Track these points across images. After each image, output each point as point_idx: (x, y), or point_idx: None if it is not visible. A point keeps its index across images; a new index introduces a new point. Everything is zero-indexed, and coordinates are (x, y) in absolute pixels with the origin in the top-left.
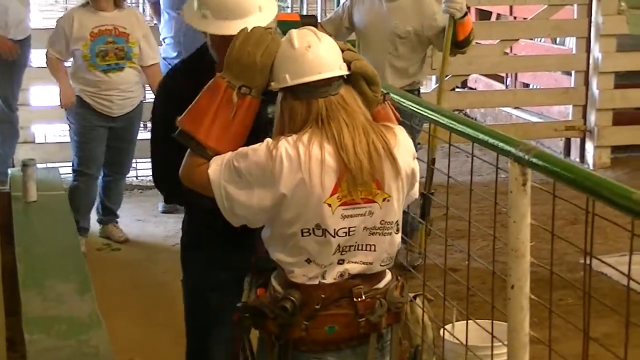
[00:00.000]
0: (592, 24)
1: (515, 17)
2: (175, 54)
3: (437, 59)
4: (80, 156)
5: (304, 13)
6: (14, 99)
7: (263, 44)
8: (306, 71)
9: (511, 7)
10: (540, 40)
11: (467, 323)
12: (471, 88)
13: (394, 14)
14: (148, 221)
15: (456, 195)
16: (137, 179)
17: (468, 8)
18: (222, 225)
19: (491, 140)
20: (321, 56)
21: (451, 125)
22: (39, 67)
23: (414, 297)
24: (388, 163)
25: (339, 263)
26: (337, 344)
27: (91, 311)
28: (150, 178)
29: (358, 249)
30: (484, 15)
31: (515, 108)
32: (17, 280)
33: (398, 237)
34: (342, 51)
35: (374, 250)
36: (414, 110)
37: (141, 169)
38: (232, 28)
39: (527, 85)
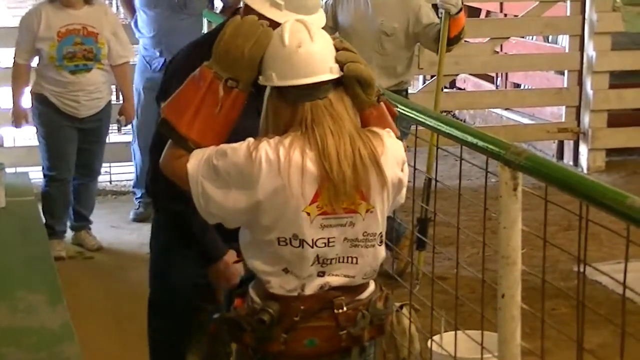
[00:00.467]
0: (586, 22)
1: (505, 14)
2: (156, 53)
3: (424, 59)
4: (50, 159)
5: None
6: None
7: (253, 36)
8: (293, 73)
9: (501, 4)
10: (532, 39)
11: (455, 334)
12: (460, 88)
13: (380, 11)
14: (122, 228)
15: (444, 200)
16: (110, 184)
17: None
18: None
19: (480, 143)
20: (311, 58)
21: (439, 127)
22: (6, 68)
23: (401, 307)
24: (374, 173)
25: (319, 275)
26: (318, 358)
27: (63, 322)
28: (125, 183)
29: (340, 262)
30: (473, 12)
31: (506, 109)
32: None
33: (382, 250)
34: (337, 50)
35: (357, 264)
36: (400, 112)
37: (115, 173)
38: None
39: (518, 86)
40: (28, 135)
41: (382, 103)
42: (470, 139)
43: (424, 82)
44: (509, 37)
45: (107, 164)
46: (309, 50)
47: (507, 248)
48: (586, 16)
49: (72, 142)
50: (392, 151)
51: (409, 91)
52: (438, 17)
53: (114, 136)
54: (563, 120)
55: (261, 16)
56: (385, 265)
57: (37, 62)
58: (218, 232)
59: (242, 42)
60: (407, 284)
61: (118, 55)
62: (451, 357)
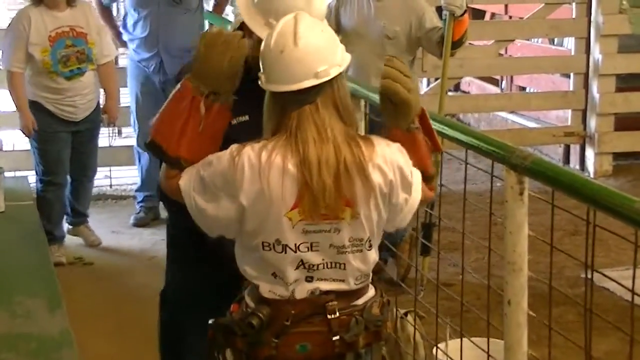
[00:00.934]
0: (592, 24)
1: (510, 17)
2: (152, 54)
3: (427, 61)
4: (45, 164)
5: None
6: None
7: (229, 49)
8: (275, 79)
9: (506, 6)
10: (537, 41)
11: (461, 341)
12: (464, 92)
13: (382, 13)
14: (123, 233)
15: (449, 205)
16: (111, 187)
17: None
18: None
19: (485, 147)
20: (293, 64)
21: (443, 130)
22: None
23: (405, 314)
24: (359, 182)
25: (307, 281)
26: None
27: (62, 328)
28: (125, 187)
29: (327, 267)
30: (477, 14)
31: (511, 113)
32: None
33: (372, 254)
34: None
35: (344, 269)
36: None
37: (115, 177)
38: None
39: (524, 89)
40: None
41: (418, 132)
42: (475, 142)
43: (428, 85)
44: (514, 40)
45: (107, 168)
46: (291, 56)
47: (513, 254)
48: (592, 18)
49: (66, 147)
50: (382, 156)
51: None
52: (442, 18)
53: (115, 141)
54: (569, 123)
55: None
56: (389, 271)
57: (29, 70)
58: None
59: (219, 56)
60: (411, 290)
61: (102, 54)
62: None
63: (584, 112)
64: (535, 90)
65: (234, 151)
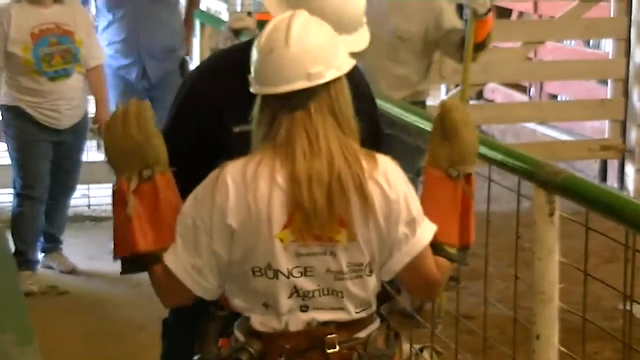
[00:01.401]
0: (633, 23)
1: (540, 16)
2: (130, 60)
3: (446, 66)
4: (24, 176)
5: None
6: None
7: (131, 124)
8: (262, 80)
9: (535, 4)
10: (571, 43)
11: None
12: (488, 100)
13: (395, 12)
14: (102, 259)
15: None
16: (89, 208)
17: None
18: None
19: (511, 162)
20: (282, 64)
21: None
22: None
23: (421, 350)
24: (356, 200)
25: (302, 310)
26: None
27: None
28: (105, 207)
29: (323, 295)
30: (503, 13)
31: (541, 124)
32: None
33: (372, 280)
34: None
35: (342, 297)
36: (417, 127)
37: (94, 196)
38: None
39: (555, 97)
40: None
41: (457, 183)
42: (499, 157)
43: (447, 93)
44: (544, 42)
45: (85, 186)
46: (281, 55)
47: (542, 282)
48: (632, 17)
49: (47, 158)
50: (384, 173)
51: (428, 103)
52: (462, 18)
53: (93, 155)
54: (606, 136)
55: None
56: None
57: (8, 71)
58: None
59: (125, 135)
60: (427, 323)
61: (92, 56)
62: None
63: (624, 123)
64: (568, 99)
65: (216, 172)
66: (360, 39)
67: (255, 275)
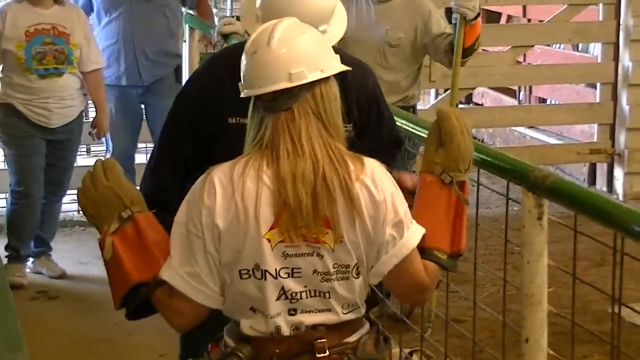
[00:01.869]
0: (621, 27)
1: (529, 20)
2: (124, 64)
3: (436, 70)
4: (19, 172)
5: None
6: None
7: (99, 182)
8: (248, 82)
9: (524, 8)
10: (560, 47)
11: None
12: (477, 104)
13: (384, 18)
14: (92, 264)
15: None
16: (79, 213)
17: None
18: None
19: (500, 166)
20: (262, 66)
21: None
22: None
23: (410, 354)
24: (342, 201)
25: (290, 314)
26: None
27: None
28: None
29: (309, 297)
30: (492, 17)
31: (530, 127)
32: None
33: (359, 281)
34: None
35: (328, 298)
36: (407, 131)
37: None
38: None
39: (544, 101)
40: None
41: (450, 191)
42: (488, 161)
43: (437, 97)
44: (533, 45)
45: (75, 191)
46: (263, 56)
47: (532, 286)
48: (621, 21)
49: (40, 155)
50: (371, 175)
51: (419, 107)
52: (451, 22)
53: (82, 159)
54: (595, 140)
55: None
56: (392, 306)
57: (2, 68)
58: None
59: (98, 187)
60: (417, 327)
61: (90, 60)
62: None
63: (612, 126)
64: (557, 102)
65: (204, 175)
66: (339, 24)
67: (243, 277)
